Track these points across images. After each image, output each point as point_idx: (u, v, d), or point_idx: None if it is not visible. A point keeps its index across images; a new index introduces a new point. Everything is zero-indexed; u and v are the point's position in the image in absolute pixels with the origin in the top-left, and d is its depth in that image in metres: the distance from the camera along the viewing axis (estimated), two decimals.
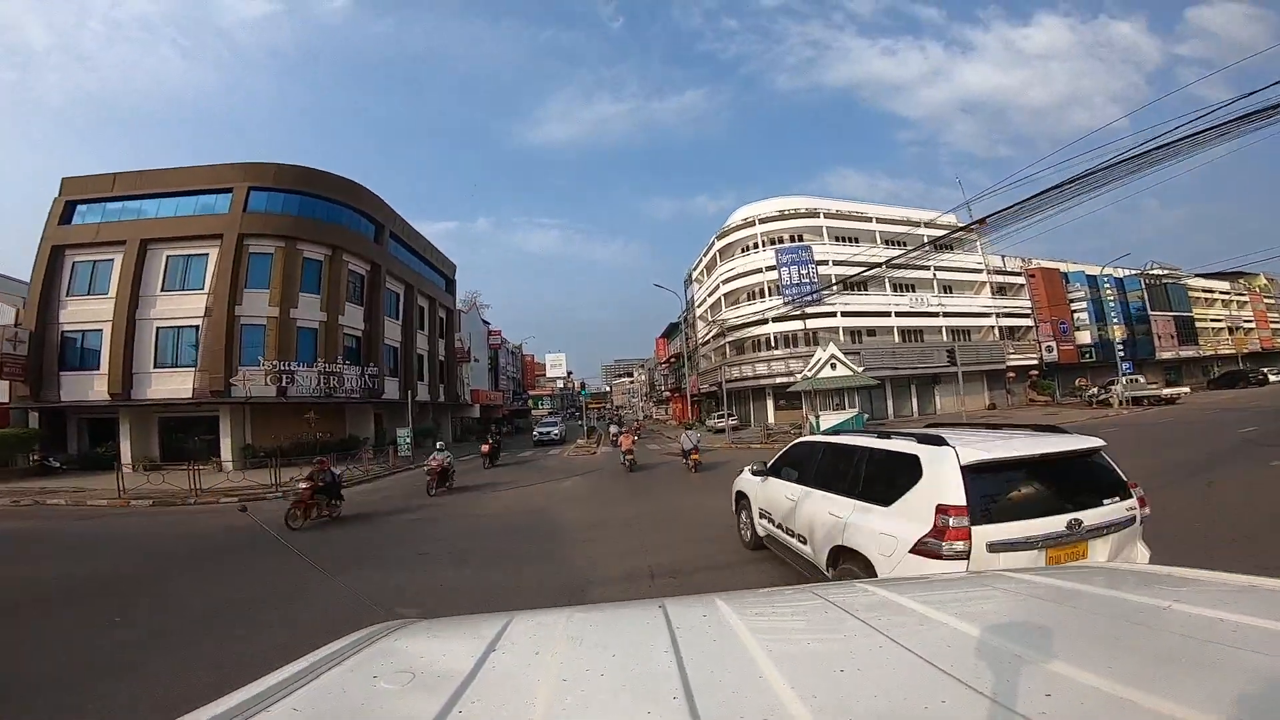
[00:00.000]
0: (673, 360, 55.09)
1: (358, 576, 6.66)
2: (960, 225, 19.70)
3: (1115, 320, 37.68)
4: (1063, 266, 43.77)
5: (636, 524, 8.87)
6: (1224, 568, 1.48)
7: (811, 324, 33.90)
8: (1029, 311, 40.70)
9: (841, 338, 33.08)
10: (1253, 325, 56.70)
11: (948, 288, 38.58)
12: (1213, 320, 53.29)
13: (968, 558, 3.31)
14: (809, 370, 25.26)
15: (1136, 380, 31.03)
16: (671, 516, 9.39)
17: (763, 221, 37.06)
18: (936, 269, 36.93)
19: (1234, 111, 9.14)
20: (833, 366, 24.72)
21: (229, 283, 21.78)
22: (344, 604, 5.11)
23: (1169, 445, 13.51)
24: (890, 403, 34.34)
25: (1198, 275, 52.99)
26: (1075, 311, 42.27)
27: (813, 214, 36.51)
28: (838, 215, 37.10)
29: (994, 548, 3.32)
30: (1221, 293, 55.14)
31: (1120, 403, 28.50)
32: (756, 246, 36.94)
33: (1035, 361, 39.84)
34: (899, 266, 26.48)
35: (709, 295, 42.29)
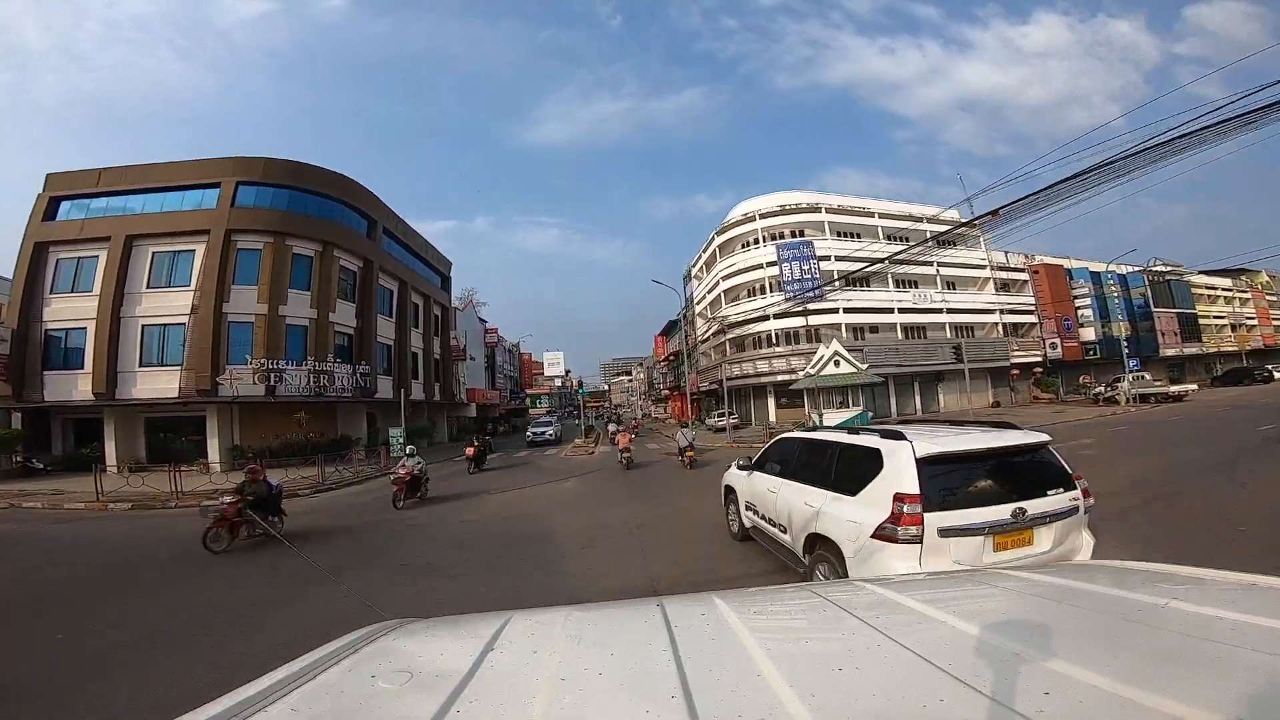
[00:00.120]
0: (671, 358, 54.52)
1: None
2: (967, 220, 19.26)
3: (1119, 317, 37.26)
4: (1066, 263, 43.33)
5: (633, 517, 8.63)
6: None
7: (813, 320, 33.37)
8: (1033, 308, 40.21)
9: (844, 334, 32.55)
10: (1255, 322, 56.47)
11: (951, 284, 38.00)
12: (1215, 317, 53.06)
13: (921, 542, 3.54)
14: (811, 367, 24.84)
15: (1143, 377, 30.63)
16: (670, 515, 9.41)
17: (763, 216, 36.48)
18: (940, 265, 36.37)
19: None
20: (836, 363, 24.31)
21: (216, 279, 21.22)
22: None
23: (1185, 444, 13.10)
24: (893, 400, 33.78)
25: (1200, 272, 52.68)
26: (1079, 308, 41.86)
27: (814, 209, 35.95)
28: (839, 210, 36.51)
29: (945, 533, 3.55)
30: (1224, 290, 54.89)
31: (1128, 400, 28.19)
32: (757, 242, 36.36)
33: (1039, 358, 39.38)
34: (902, 262, 25.99)
35: (709, 292, 41.71)
